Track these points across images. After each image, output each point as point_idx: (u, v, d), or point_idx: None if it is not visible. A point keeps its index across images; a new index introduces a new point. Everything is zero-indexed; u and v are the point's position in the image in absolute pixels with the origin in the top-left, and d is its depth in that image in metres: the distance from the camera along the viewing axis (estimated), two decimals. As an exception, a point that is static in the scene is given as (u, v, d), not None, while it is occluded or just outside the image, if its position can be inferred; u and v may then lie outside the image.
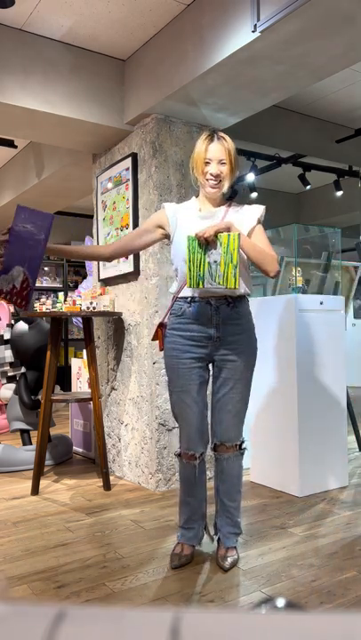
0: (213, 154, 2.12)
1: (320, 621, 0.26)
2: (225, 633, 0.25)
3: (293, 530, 2.58)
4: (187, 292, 2.16)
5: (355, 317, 8.65)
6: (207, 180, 2.14)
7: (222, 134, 2.17)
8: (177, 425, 2.31)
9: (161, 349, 2.26)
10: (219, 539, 2.28)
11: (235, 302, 2.16)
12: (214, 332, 2.15)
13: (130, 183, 3.47)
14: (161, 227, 2.25)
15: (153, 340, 2.33)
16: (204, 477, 2.31)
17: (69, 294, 6.58)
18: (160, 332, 2.25)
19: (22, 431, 4.04)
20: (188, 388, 2.17)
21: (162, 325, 2.25)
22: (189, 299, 2.16)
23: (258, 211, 2.21)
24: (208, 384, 2.25)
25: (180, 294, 2.18)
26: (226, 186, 2.16)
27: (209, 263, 2.05)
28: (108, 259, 2.32)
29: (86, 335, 3.39)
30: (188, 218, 2.20)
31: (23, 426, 4.00)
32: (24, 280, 2.09)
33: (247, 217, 2.19)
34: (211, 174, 2.12)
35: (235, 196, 2.30)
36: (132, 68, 3.44)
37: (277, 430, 3.21)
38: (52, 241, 8.74)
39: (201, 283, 2.07)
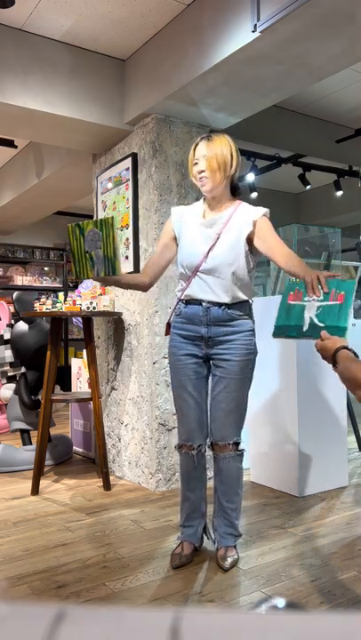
0: (200, 152, 2.15)
1: (320, 621, 0.26)
2: (225, 633, 0.25)
3: (293, 530, 2.58)
4: (185, 294, 2.21)
5: (355, 317, 8.64)
6: (198, 180, 2.17)
7: (215, 135, 2.17)
8: (177, 425, 2.33)
9: None
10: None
11: (227, 305, 2.17)
12: (205, 332, 2.19)
13: (130, 183, 3.47)
14: (173, 237, 2.28)
15: (166, 334, 2.37)
16: (204, 474, 2.32)
17: (69, 294, 6.57)
18: (169, 329, 2.33)
19: (22, 431, 4.04)
20: (184, 382, 2.23)
21: (169, 325, 2.33)
22: (185, 300, 2.22)
23: (255, 212, 2.18)
24: (207, 380, 2.29)
25: (181, 296, 2.24)
26: (210, 185, 2.15)
27: (88, 252, 2.04)
28: (149, 286, 2.31)
29: (86, 335, 3.38)
30: (191, 224, 2.23)
31: (23, 426, 4.00)
32: None
33: (244, 221, 2.18)
34: (197, 171, 2.16)
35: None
36: (132, 68, 3.44)
37: (277, 430, 3.21)
38: (52, 241, 8.64)
39: (85, 274, 2.04)
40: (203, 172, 2.13)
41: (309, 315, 1.75)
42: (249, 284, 2.20)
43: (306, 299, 1.77)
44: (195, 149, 2.17)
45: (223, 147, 2.14)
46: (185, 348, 2.23)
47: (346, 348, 1.47)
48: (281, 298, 1.82)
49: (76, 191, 5.27)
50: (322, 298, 1.76)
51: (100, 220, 2.00)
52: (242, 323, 2.19)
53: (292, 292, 1.81)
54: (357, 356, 1.44)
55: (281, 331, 1.80)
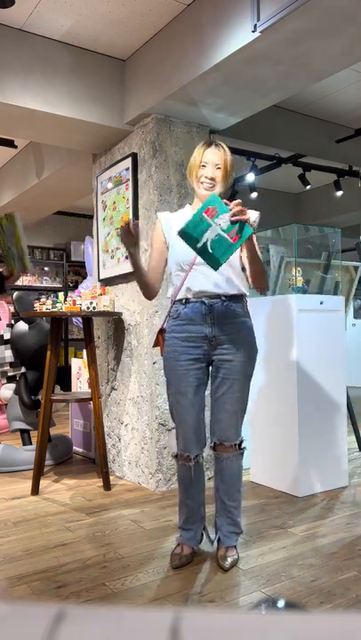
0: (210, 158, 2.16)
1: (320, 621, 0.26)
2: (225, 633, 0.25)
3: (293, 530, 2.58)
4: (181, 295, 2.19)
5: (355, 317, 8.65)
6: (201, 182, 2.16)
7: (220, 142, 2.21)
8: (175, 428, 2.32)
9: (162, 355, 2.27)
10: (219, 538, 2.28)
11: (229, 301, 2.16)
12: (210, 331, 2.16)
13: (130, 183, 3.47)
14: (164, 241, 2.28)
15: (154, 346, 2.34)
16: (202, 480, 2.31)
17: (69, 294, 6.57)
18: (160, 338, 2.27)
19: (22, 431, 4.04)
20: (185, 390, 2.18)
21: (162, 331, 2.27)
22: (184, 300, 2.19)
23: (253, 216, 2.19)
24: (206, 386, 2.26)
25: (176, 297, 2.21)
26: (218, 191, 2.17)
27: (10, 248, 2.06)
28: (156, 293, 2.31)
29: (86, 335, 3.39)
30: (181, 224, 2.22)
31: (23, 426, 4.00)
32: None
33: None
34: (206, 177, 2.15)
35: (234, 196, 2.31)
36: (132, 68, 3.44)
37: (277, 430, 3.21)
38: (52, 241, 8.64)
39: (12, 268, 2.11)
40: (213, 179, 2.15)
41: (208, 237, 1.90)
42: (242, 276, 2.21)
43: (215, 220, 1.89)
44: (203, 153, 2.16)
45: (230, 159, 2.19)
46: (186, 352, 2.17)
47: None
48: (201, 205, 1.92)
49: (76, 191, 5.27)
50: (226, 228, 1.89)
51: (6, 214, 2.02)
52: (244, 321, 2.20)
53: (210, 207, 1.90)
54: None
55: (184, 235, 1.93)
